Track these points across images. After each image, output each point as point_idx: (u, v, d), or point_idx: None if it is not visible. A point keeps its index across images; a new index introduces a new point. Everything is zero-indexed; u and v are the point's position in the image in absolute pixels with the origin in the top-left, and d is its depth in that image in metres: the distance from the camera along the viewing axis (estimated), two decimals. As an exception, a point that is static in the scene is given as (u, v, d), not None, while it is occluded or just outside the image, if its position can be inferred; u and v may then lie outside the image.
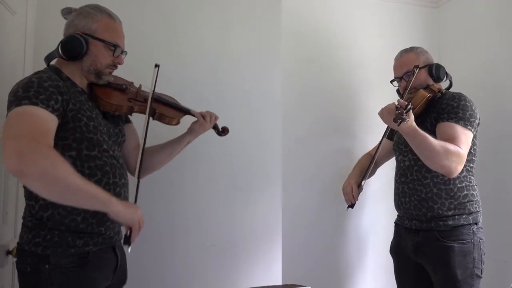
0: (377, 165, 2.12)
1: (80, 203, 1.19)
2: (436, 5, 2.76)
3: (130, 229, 1.27)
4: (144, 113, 1.48)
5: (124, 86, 1.47)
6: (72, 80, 1.34)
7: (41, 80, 1.21)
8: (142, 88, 1.52)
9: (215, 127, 1.71)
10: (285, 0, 2.24)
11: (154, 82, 1.47)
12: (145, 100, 1.49)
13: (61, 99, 1.22)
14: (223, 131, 1.73)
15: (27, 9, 1.74)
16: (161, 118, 1.56)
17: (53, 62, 1.37)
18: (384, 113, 1.57)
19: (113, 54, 1.38)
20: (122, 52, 1.42)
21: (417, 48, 1.91)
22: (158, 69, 1.48)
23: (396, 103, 1.51)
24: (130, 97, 1.47)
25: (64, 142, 1.25)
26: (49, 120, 1.18)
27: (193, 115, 1.67)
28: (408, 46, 1.94)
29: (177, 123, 1.62)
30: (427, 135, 1.57)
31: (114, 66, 1.42)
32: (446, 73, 1.86)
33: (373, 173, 2.11)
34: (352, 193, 1.92)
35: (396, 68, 1.94)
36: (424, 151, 1.60)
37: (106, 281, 1.34)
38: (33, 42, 1.78)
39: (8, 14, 1.57)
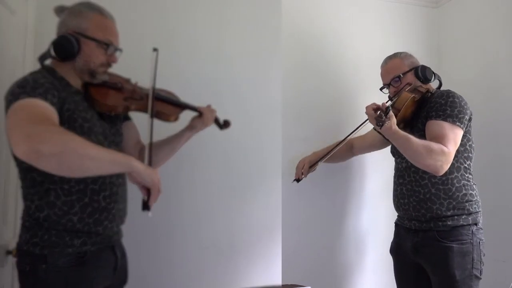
0: (353, 153, 2.19)
1: (103, 170, 1.17)
2: (436, 5, 2.76)
3: (148, 192, 1.22)
4: (141, 111, 1.45)
5: (119, 84, 1.43)
6: (66, 80, 1.32)
7: (36, 78, 1.21)
8: (139, 85, 1.49)
9: (216, 121, 1.66)
10: (285, 0, 2.24)
11: (154, 70, 1.41)
12: (142, 98, 1.45)
13: (57, 94, 1.21)
14: (225, 125, 1.69)
15: (27, 9, 1.73)
16: (158, 115, 1.50)
17: (47, 62, 1.36)
18: (367, 114, 1.62)
19: (106, 53, 1.35)
20: (116, 50, 1.39)
21: (401, 53, 1.92)
22: (157, 54, 1.43)
23: (381, 105, 1.55)
24: (126, 96, 1.43)
25: None
26: (50, 109, 1.16)
27: (194, 110, 1.61)
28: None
29: (175, 119, 1.57)
30: (409, 136, 1.59)
31: (108, 65, 1.39)
32: (433, 73, 1.86)
33: (346, 158, 2.19)
34: (302, 170, 2.09)
35: (383, 75, 1.95)
36: (407, 151, 1.64)
37: (105, 281, 1.34)
38: (33, 42, 1.77)
39: (8, 14, 1.57)
